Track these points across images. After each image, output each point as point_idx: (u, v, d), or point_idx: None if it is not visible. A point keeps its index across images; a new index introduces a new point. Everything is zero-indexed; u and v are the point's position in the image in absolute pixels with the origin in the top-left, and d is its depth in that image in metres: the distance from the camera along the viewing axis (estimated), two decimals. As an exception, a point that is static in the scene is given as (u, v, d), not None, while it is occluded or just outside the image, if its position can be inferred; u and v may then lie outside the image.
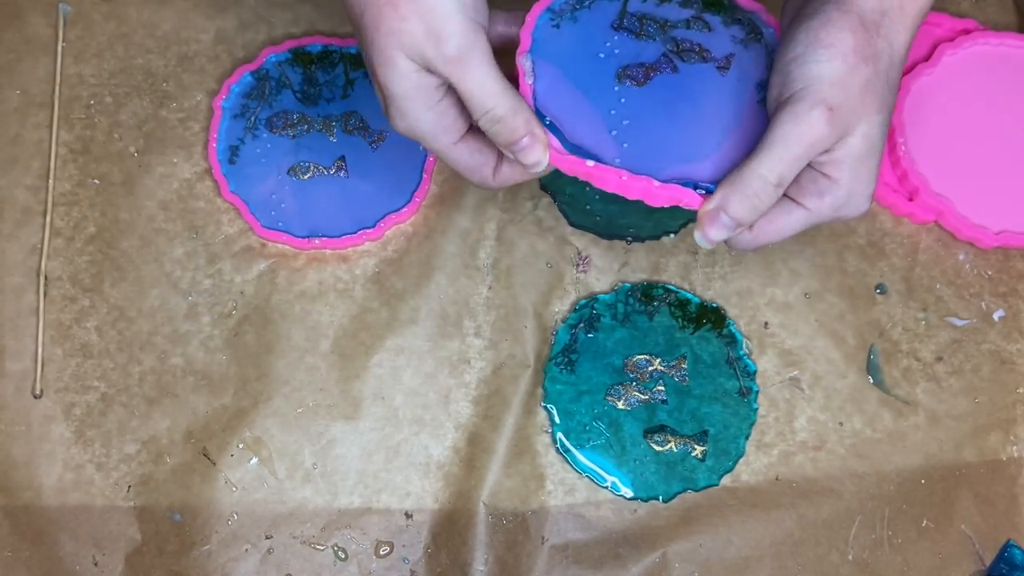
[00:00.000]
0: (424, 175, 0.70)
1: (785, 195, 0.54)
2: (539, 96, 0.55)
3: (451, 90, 0.53)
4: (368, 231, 0.69)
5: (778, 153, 0.52)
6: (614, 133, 0.55)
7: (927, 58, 0.72)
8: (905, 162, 0.69)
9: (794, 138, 0.52)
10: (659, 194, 0.55)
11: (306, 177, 0.69)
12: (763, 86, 0.57)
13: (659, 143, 0.55)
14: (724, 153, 0.55)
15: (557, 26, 0.58)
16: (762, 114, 0.56)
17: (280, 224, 0.69)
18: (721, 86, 0.57)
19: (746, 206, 0.53)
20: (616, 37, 0.58)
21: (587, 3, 0.59)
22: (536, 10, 0.58)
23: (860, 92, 0.52)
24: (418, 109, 0.53)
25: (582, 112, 0.56)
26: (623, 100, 0.56)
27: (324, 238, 0.68)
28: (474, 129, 0.55)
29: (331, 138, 0.70)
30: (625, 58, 0.57)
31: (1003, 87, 0.72)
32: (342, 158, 0.70)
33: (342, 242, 0.69)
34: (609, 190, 0.55)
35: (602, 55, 0.57)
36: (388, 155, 0.70)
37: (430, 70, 0.51)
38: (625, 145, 0.55)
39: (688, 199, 0.55)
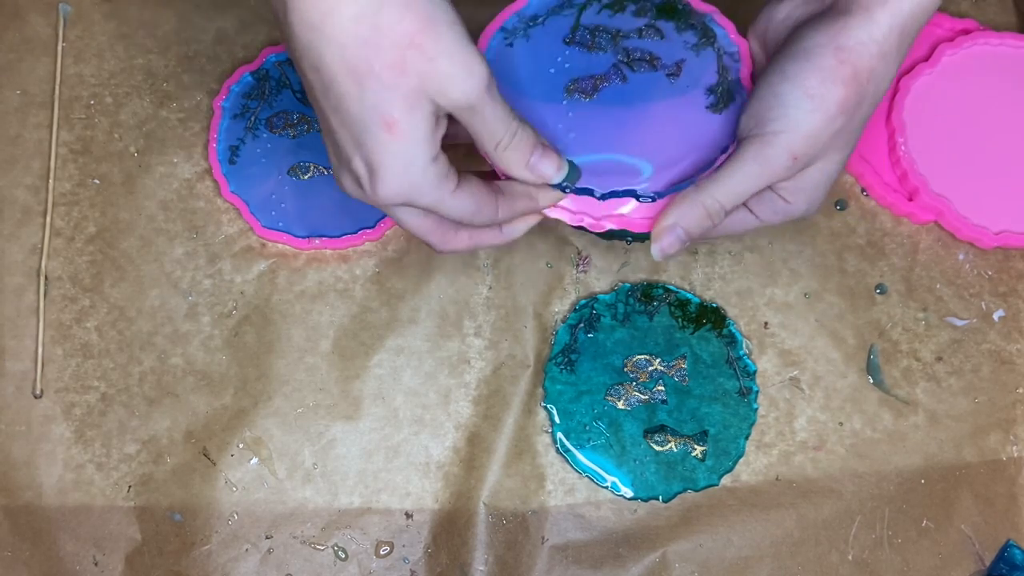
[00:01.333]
0: None
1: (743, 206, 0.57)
2: None
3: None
4: (368, 231, 0.69)
5: (737, 185, 0.54)
6: (560, 147, 0.56)
7: (927, 58, 0.72)
8: (905, 162, 0.69)
9: (754, 175, 0.53)
10: (601, 208, 0.56)
11: (306, 177, 0.69)
12: (713, 90, 0.58)
13: (604, 155, 0.57)
14: (668, 159, 0.57)
15: (510, 45, 0.59)
16: (711, 119, 0.58)
17: (280, 224, 0.69)
18: (670, 93, 0.58)
19: (700, 225, 0.55)
20: (568, 51, 0.59)
21: (540, 20, 0.59)
22: (489, 31, 0.59)
23: (830, 138, 0.53)
24: (424, 158, 0.48)
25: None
26: (571, 114, 0.57)
27: (324, 238, 0.68)
28: (464, 178, 0.52)
29: None
30: (575, 71, 0.58)
31: (1003, 87, 0.72)
32: None
33: (342, 242, 0.69)
34: (552, 215, 0.57)
35: (553, 70, 0.58)
36: None
37: (442, 122, 0.49)
38: (570, 159, 0.56)
39: (627, 209, 0.57)
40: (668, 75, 0.58)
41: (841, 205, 0.71)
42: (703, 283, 0.70)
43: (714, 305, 0.69)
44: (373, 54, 0.45)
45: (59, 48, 0.72)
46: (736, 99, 0.58)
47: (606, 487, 0.66)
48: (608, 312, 0.68)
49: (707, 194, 0.54)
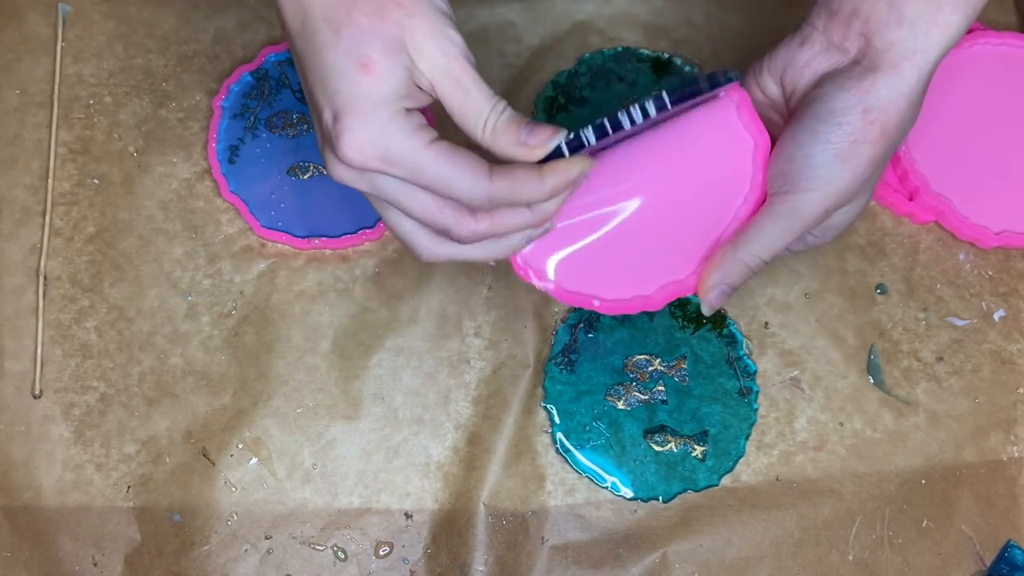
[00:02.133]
0: None
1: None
2: None
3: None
4: (368, 231, 0.69)
5: (773, 240, 0.55)
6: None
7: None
8: (905, 162, 0.69)
9: (789, 230, 0.55)
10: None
11: (306, 177, 0.69)
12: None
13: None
14: None
15: None
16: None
17: (280, 224, 0.69)
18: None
19: (742, 277, 0.56)
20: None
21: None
22: None
23: (859, 189, 0.54)
24: (397, 103, 0.46)
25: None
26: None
27: (324, 238, 0.68)
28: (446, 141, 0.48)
29: None
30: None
31: (1004, 87, 0.72)
32: None
33: (342, 242, 0.69)
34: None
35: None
36: None
37: (402, 57, 0.46)
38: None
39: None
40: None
41: (841, 205, 0.71)
42: (703, 283, 0.70)
43: (714, 305, 0.69)
44: (353, 3, 0.45)
45: (58, 48, 0.72)
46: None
47: (606, 487, 0.66)
48: (608, 312, 0.69)
49: (745, 251, 0.55)
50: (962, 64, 0.72)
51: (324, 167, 0.49)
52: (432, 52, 0.46)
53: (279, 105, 0.70)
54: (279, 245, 0.69)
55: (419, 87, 0.47)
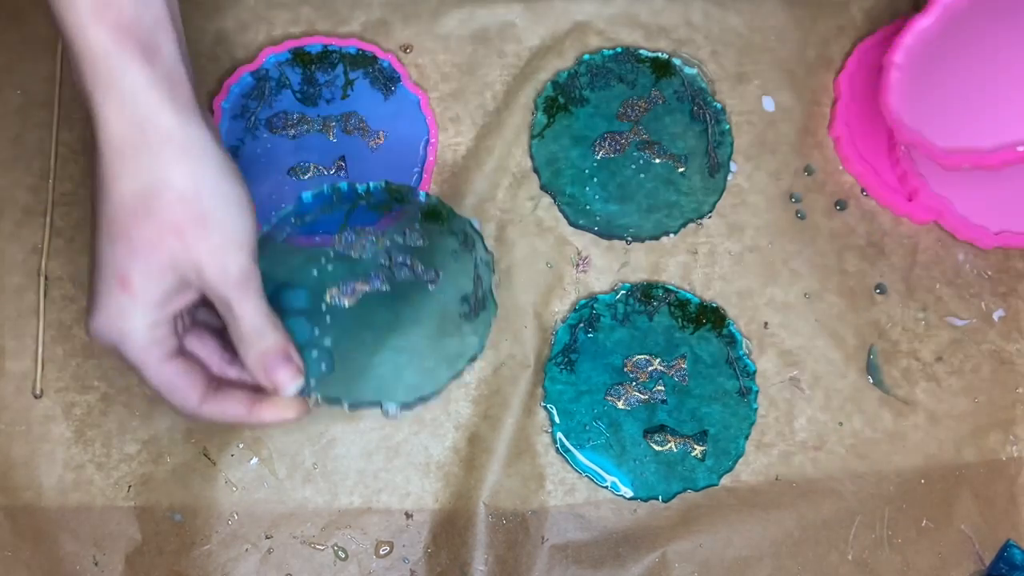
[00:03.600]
0: (424, 175, 0.70)
1: None
2: None
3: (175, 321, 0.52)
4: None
5: None
6: (315, 354, 0.58)
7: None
8: (905, 162, 0.69)
9: None
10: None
11: (306, 177, 0.69)
12: (467, 299, 0.60)
13: (358, 366, 0.59)
14: (422, 370, 0.60)
15: (283, 239, 0.61)
16: (463, 326, 0.60)
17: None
18: (428, 300, 0.61)
19: None
20: (331, 253, 0.61)
21: (309, 218, 0.61)
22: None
23: None
24: (145, 319, 0.50)
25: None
26: (329, 319, 0.59)
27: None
28: (182, 352, 0.54)
29: (331, 138, 0.70)
30: (339, 275, 0.60)
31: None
32: (342, 158, 0.70)
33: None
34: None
35: (316, 271, 0.60)
36: (387, 156, 0.70)
37: (188, 288, 0.51)
38: (323, 367, 0.58)
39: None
40: (428, 281, 0.61)
41: (841, 205, 0.71)
42: (703, 283, 0.70)
43: (714, 305, 0.69)
44: (134, 225, 0.48)
45: (59, 48, 0.72)
46: (487, 307, 0.60)
47: (606, 487, 0.66)
48: (608, 312, 0.69)
49: None
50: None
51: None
52: (210, 276, 0.50)
53: (279, 106, 0.71)
54: (279, 245, 0.69)
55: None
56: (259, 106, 0.70)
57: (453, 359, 0.60)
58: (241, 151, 0.70)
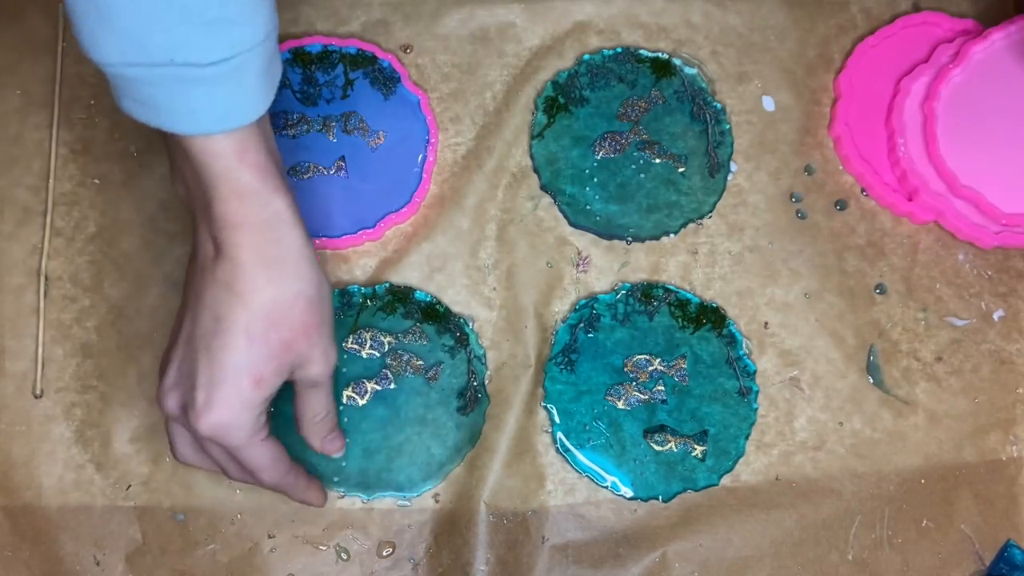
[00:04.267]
0: (424, 175, 0.70)
1: None
2: None
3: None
4: (368, 231, 0.69)
5: None
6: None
7: (927, 59, 0.72)
8: (905, 162, 0.69)
9: None
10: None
11: (306, 177, 0.69)
12: (463, 394, 0.67)
13: (365, 461, 0.67)
14: (426, 464, 0.67)
15: None
16: (459, 420, 0.67)
17: None
18: (428, 397, 0.67)
19: None
20: (345, 356, 0.68)
21: None
22: None
23: None
24: (260, 406, 0.55)
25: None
26: (346, 419, 0.67)
27: (324, 238, 0.68)
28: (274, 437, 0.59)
29: (331, 138, 0.70)
30: (351, 375, 0.67)
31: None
32: (342, 158, 0.70)
33: (342, 242, 0.69)
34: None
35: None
36: (387, 156, 0.70)
37: (284, 377, 0.56)
38: (343, 463, 0.66)
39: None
40: (428, 379, 0.67)
41: (841, 205, 0.71)
42: (703, 283, 0.70)
43: (714, 305, 0.69)
44: (274, 330, 0.54)
45: (59, 48, 0.72)
46: (481, 401, 0.67)
47: (606, 487, 0.66)
48: (608, 312, 0.69)
49: None
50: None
51: (158, 393, 0.57)
52: (313, 374, 0.57)
53: (278, 106, 0.70)
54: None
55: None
56: None
57: (451, 452, 0.67)
58: None
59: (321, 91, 0.71)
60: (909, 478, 0.67)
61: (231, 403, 0.54)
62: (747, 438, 0.67)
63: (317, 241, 0.69)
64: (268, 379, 0.54)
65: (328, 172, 0.70)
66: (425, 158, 0.70)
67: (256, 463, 0.57)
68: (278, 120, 0.70)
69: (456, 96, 0.73)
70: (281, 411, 0.65)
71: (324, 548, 0.66)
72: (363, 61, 0.71)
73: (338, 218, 0.69)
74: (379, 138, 0.70)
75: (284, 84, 0.71)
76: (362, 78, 0.71)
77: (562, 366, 0.68)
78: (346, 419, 0.67)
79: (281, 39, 0.72)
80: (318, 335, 0.55)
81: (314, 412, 0.59)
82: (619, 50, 0.73)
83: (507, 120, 0.72)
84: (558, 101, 0.72)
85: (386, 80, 0.71)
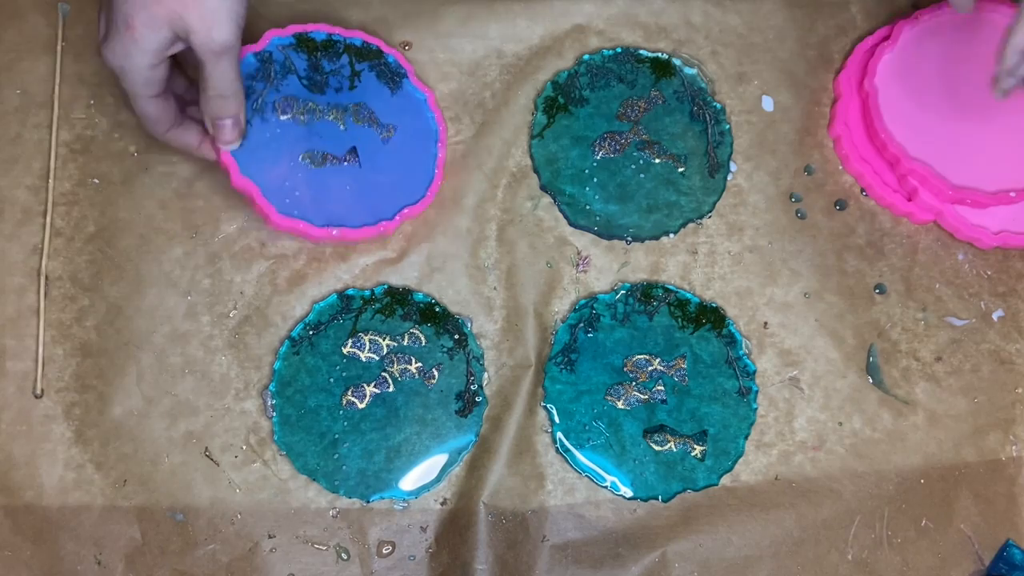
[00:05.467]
0: (436, 170, 0.69)
1: None
2: None
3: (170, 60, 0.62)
4: (387, 223, 0.68)
5: None
6: (336, 456, 0.67)
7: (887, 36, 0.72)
8: (905, 162, 0.69)
9: None
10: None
11: (321, 165, 0.68)
12: (461, 396, 0.68)
13: (365, 462, 0.67)
14: (425, 466, 0.67)
15: (297, 353, 0.68)
16: (458, 421, 0.67)
17: (296, 212, 0.67)
18: (427, 399, 0.68)
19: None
20: (344, 360, 0.68)
21: (323, 327, 0.69)
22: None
23: None
24: (144, 60, 0.60)
25: None
26: (345, 422, 0.67)
27: (343, 228, 0.67)
28: (165, 92, 0.63)
29: (341, 127, 0.69)
30: (351, 380, 0.68)
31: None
32: (354, 149, 0.69)
33: (361, 233, 0.68)
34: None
35: (332, 379, 0.68)
36: (399, 149, 0.70)
37: (181, 44, 0.61)
38: (343, 467, 0.67)
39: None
40: (426, 380, 0.68)
41: (841, 205, 0.71)
42: (703, 283, 0.70)
43: (714, 305, 0.69)
44: None
45: (59, 48, 0.72)
46: (480, 403, 0.68)
47: (606, 487, 0.66)
48: (608, 312, 0.69)
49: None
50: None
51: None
52: (196, 39, 0.59)
53: (286, 90, 0.68)
54: (279, 245, 0.69)
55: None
56: (266, 88, 0.68)
57: (451, 453, 0.67)
58: (248, 132, 0.67)
59: (328, 79, 0.70)
60: (909, 478, 0.67)
61: (114, 44, 0.60)
62: (747, 438, 0.67)
63: (335, 232, 0.67)
64: (138, 28, 0.59)
65: (341, 162, 0.69)
66: (437, 154, 0.70)
67: (143, 113, 0.63)
68: (287, 105, 0.68)
69: (456, 96, 0.73)
70: (287, 414, 0.66)
71: (324, 548, 0.66)
72: (369, 54, 0.71)
73: (356, 209, 0.68)
74: (389, 131, 0.70)
75: (290, 70, 0.69)
76: (368, 70, 0.71)
77: (562, 366, 0.68)
78: (345, 421, 0.67)
79: (285, 22, 0.71)
80: (193, 3, 0.58)
81: (209, 86, 0.62)
82: (619, 50, 0.73)
83: (507, 120, 0.72)
84: (558, 101, 0.72)
85: (392, 75, 0.71)
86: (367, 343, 0.68)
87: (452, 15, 0.74)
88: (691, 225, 0.71)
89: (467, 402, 0.68)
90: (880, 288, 0.70)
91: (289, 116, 0.68)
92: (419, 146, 0.70)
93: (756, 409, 0.68)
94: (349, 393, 0.67)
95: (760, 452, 0.67)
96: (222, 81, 0.62)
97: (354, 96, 0.70)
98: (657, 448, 0.67)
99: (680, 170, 0.71)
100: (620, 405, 0.67)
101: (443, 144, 0.70)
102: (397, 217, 0.68)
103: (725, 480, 0.67)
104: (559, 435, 0.67)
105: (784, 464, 0.67)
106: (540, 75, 0.73)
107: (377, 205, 0.69)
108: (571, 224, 0.71)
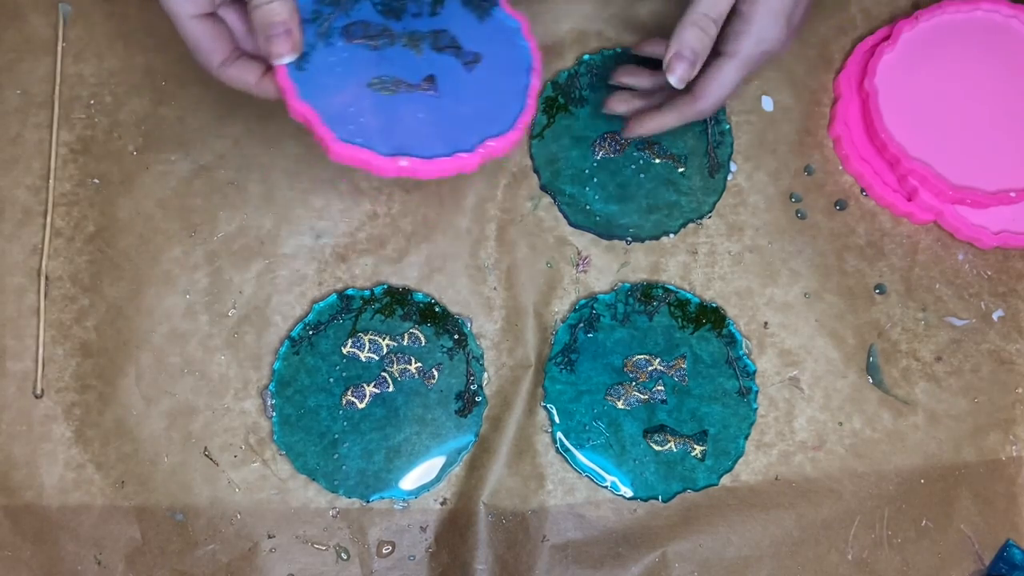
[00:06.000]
0: (528, 101, 0.63)
1: (717, 53, 0.64)
2: None
3: None
4: (466, 155, 0.61)
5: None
6: (336, 456, 0.67)
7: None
8: (905, 163, 0.69)
9: None
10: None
11: (390, 92, 0.62)
12: (460, 396, 0.68)
13: (365, 463, 0.67)
14: (424, 466, 0.68)
15: (297, 353, 0.68)
16: (458, 422, 0.68)
17: (359, 140, 0.59)
18: (426, 399, 0.68)
19: (700, 41, 0.62)
20: (344, 360, 0.68)
21: (323, 327, 0.69)
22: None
23: None
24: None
25: None
26: (345, 422, 0.68)
27: (413, 158, 0.60)
28: (216, 16, 0.60)
29: (418, 54, 0.63)
30: (351, 379, 0.68)
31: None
32: (431, 77, 0.63)
33: (434, 165, 0.61)
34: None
35: (332, 379, 0.68)
36: (485, 77, 0.64)
37: None
38: (344, 467, 0.67)
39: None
40: (426, 380, 0.68)
41: (841, 205, 0.71)
42: (703, 283, 0.70)
43: (714, 305, 0.69)
44: None
45: (59, 48, 0.72)
46: (480, 403, 0.68)
47: (606, 487, 0.66)
48: (608, 312, 0.69)
49: (693, 14, 0.61)
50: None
51: None
52: None
53: (357, 15, 0.64)
54: (279, 243, 0.69)
55: None
56: (334, 12, 0.64)
57: (450, 453, 0.67)
58: (311, 57, 0.62)
59: (406, 4, 0.65)
60: (909, 478, 0.67)
61: None
62: (747, 438, 0.67)
63: (404, 162, 0.60)
64: None
65: (416, 89, 0.62)
66: (529, 83, 0.64)
67: (191, 39, 0.60)
68: (356, 30, 0.63)
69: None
70: (286, 414, 0.66)
71: (324, 548, 0.66)
72: None
73: (429, 139, 0.61)
74: (475, 59, 0.64)
75: None
76: None
77: (562, 366, 0.68)
78: (345, 421, 0.67)
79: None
80: None
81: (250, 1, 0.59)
82: (619, 50, 0.73)
83: (507, 120, 0.72)
84: (558, 101, 0.72)
85: (481, 1, 0.66)
86: (367, 343, 0.68)
87: (452, 15, 0.74)
88: (691, 225, 0.71)
89: (467, 402, 0.68)
90: (880, 288, 0.70)
91: (359, 41, 0.63)
92: (508, 76, 0.64)
93: (756, 409, 0.68)
94: (349, 393, 0.67)
95: (760, 452, 0.67)
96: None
97: (435, 23, 0.65)
98: (657, 448, 0.67)
99: (680, 170, 0.71)
100: (620, 405, 0.67)
101: (537, 74, 0.64)
102: (479, 149, 0.61)
103: (725, 480, 0.67)
104: (559, 435, 0.67)
105: (784, 464, 0.67)
106: (540, 75, 0.73)
107: (454, 136, 0.61)
108: (571, 224, 0.71)
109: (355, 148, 0.58)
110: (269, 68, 0.60)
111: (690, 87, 0.64)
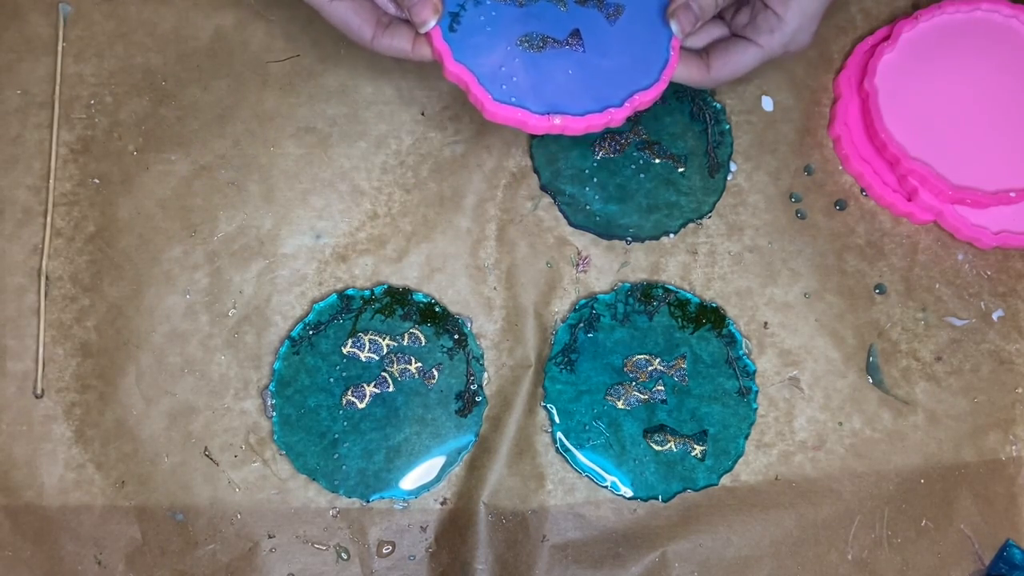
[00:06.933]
0: (671, 52, 0.64)
1: (741, 36, 0.65)
2: None
3: None
4: (615, 109, 0.62)
5: None
6: (336, 456, 0.67)
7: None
8: (905, 163, 0.69)
9: None
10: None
11: (538, 49, 0.63)
12: (460, 396, 0.68)
13: (365, 462, 0.67)
14: (424, 466, 0.67)
15: (297, 353, 0.68)
16: (458, 421, 0.68)
17: (513, 99, 0.62)
18: (426, 399, 0.68)
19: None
20: (344, 361, 0.68)
21: (323, 327, 0.68)
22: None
23: None
24: None
25: None
26: (344, 422, 0.67)
27: (565, 116, 0.62)
28: None
29: (562, 8, 0.64)
30: (351, 379, 0.68)
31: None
32: (576, 32, 0.64)
33: (585, 121, 0.62)
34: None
35: (332, 379, 0.68)
36: (628, 29, 0.64)
37: None
38: (343, 467, 0.67)
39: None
40: (426, 380, 0.68)
41: (841, 205, 0.71)
42: (703, 283, 0.70)
43: (714, 305, 0.69)
44: None
45: (59, 48, 0.72)
46: (480, 403, 0.68)
47: (606, 487, 0.66)
48: (608, 312, 0.69)
49: None
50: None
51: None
52: None
53: None
54: (279, 242, 0.69)
55: None
56: None
57: (450, 453, 0.67)
58: (462, 17, 0.63)
59: None
60: (908, 478, 0.67)
61: None
62: (747, 438, 0.67)
63: (558, 120, 0.62)
64: None
65: (562, 45, 0.63)
66: (671, 34, 0.64)
67: (337, 21, 0.62)
68: None
69: (456, 94, 0.73)
70: (286, 414, 0.66)
71: (324, 548, 0.66)
72: None
73: (579, 95, 0.63)
74: (617, 11, 0.64)
75: None
76: None
77: (562, 366, 0.68)
78: (345, 421, 0.67)
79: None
80: None
81: None
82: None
83: (507, 120, 0.72)
84: (558, 101, 0.72)
85: None
86: (367, 343, 0.68)
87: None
88: (691, 225, 0.71)
89: (467, 402, 0.68)
90: (880, 288, 0.70)
91: (505, 0, 0.64)
92: (650, 27, 0.64)
93: (756, 409, 0.68)
94: (349, 393, 0.67)
95: (760, 452, 0.67)
96: None
97: None
98: (657, 448, 0.67)
99: (680, 170, 0.71)
100: (620, 405, 0.67)
101: None
102: (627, 104, 0.62)
103: (725, 480, 0.67)
104: (559, 435, 0.67)
105: (784, 464, 0.67)
106: (540, 75, 0.73)
107: (603, 91, 0.63)
108: (571, 224, 0.71)
109: (510, 108, 0.61)
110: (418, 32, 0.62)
111: (707, 55, 0.65)
